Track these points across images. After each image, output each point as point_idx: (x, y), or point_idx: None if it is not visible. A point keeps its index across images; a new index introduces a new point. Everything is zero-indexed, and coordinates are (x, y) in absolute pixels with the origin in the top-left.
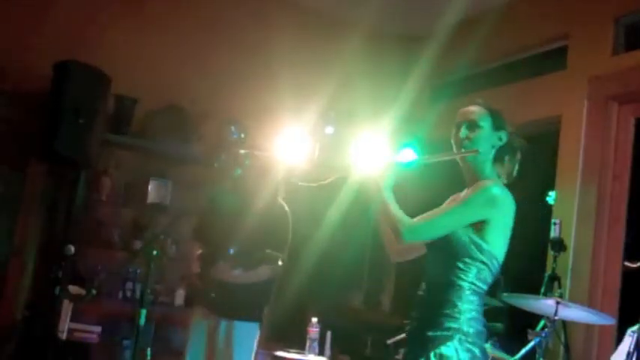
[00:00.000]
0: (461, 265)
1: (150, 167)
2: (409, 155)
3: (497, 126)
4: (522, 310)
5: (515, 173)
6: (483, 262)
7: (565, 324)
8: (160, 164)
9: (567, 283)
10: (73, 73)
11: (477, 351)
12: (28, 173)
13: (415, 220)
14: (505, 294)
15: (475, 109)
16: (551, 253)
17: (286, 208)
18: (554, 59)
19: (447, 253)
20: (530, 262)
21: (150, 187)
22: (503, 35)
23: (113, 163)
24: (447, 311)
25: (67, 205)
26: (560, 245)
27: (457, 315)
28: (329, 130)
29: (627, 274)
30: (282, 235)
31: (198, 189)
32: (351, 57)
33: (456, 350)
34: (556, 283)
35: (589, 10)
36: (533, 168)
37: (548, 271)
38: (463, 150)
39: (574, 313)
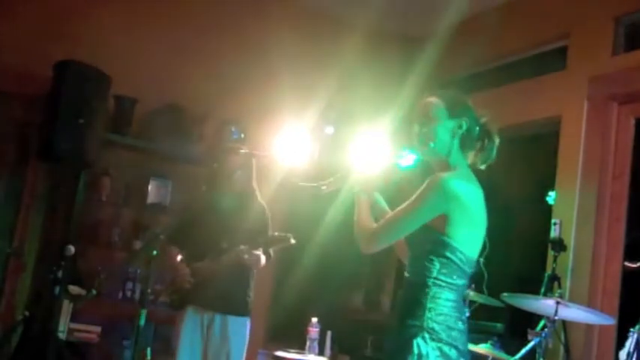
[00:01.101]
0: (427, 263)
1: (150, 167)
2: (410, 158)
3: (456, 114)
4: (522, 310)
5: (492, 158)
6: (446, 257)
7: (565, 324)
8: (160, 164)
9: (567, 283)
10: (73, 73)
11: (446, 349)
12: (28, 173)
13: (374, 227)
14: (505, 294)
15: (429, 101)
16: (551, 253)
17: (264, 204)
18: (554, 59)
19: (416, 253)
20: (530, 262)
21: (150, 187)
22: (503, 35)
23: (113, 163)
24: (413, 309)
25: (67, 205)
26: (560, 245)
27: (421, 313)
28: (329, 130)
29: (627, 274)
30: (265, 230)
31: (198, 189)
32: (351, 57)
33: (418, 346)
34: (556, 283)
35: (589, 10)
36: (533, 168)
37: (548, 271)
38: (419, 145)
39: (574, 313)
